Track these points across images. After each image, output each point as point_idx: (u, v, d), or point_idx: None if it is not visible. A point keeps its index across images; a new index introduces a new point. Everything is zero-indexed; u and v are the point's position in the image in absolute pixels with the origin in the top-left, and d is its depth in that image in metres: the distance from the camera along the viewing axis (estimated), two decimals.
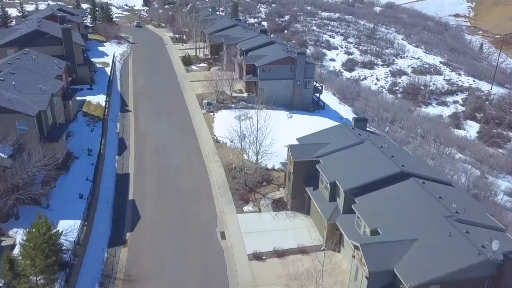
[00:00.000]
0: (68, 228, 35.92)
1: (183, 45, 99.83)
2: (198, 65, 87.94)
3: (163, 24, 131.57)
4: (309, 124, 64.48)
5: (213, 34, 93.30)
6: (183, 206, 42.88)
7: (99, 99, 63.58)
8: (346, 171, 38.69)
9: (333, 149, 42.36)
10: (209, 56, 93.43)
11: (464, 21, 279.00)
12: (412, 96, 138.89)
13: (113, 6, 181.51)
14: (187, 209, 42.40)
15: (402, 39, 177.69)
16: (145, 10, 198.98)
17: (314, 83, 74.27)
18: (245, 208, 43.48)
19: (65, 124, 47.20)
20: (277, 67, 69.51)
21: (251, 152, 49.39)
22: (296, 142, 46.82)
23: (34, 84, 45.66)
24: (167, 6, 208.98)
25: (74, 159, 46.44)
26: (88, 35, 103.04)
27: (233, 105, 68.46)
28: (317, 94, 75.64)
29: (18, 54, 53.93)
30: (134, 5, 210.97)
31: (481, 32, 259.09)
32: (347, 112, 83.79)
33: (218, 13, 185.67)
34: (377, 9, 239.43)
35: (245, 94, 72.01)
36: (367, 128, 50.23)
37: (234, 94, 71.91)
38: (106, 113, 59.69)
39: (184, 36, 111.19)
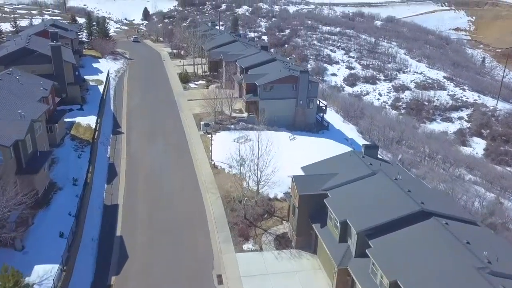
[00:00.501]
0: (44, 275, 31.42)
1: (180, 61, 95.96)
2: (196, 82, 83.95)
3: (161, 39, 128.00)
4: (313, 147, 60.31)
5: (212, 50, 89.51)
6: (176, 243, 38.37)
7: (90, 120, 59.37)
8: (358, 208, 34.25)
9: (342, 181, 38.00)
10: (208, 73, 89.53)
11: (465, 35, 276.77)
12: (416, 112, 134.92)
13: (112, 20, 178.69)
14: (180, 248, 37.87)
15: (404, 53, 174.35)
16: (144, 24, 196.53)
17: (318, 102, 70.13)
18: (245, 246, 38.93)
19: (48, 152, 42.93)
20: (279, 86, 65.44)
21: (251, 180, 45.13)
22: (300, 171, 42.54)
23: (14, 109, 41.49)
24: (166, 20, 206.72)
25: (57, 190, 42.03)
26: (83, 50, 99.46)
27: (232, 126, 64.26)
28: (321, 114, 71.45)
29: (1, 74, 49.86)
30: (134, 19, 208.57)
31: (482, 46, 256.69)
32: (351, 132, 79.60)
33: (217, 27, 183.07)
34: (378, 23, 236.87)
35: (245, 114, 67.86)
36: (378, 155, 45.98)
37: (234, 114, 67.75)
38: (96, 136, 55.45)
39: (183, 51, 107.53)
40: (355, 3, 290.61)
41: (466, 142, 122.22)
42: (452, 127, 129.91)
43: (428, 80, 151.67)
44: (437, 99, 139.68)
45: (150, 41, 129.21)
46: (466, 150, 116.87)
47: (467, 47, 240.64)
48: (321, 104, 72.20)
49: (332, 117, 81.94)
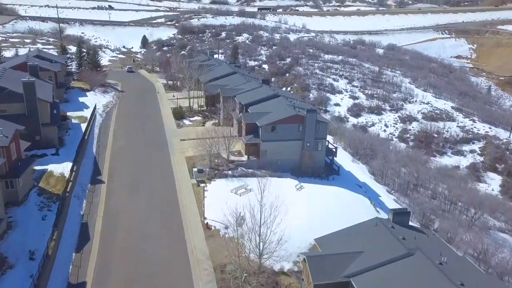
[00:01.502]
0: None
1: (173, 96, 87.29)
2: (191, 118, 75.44)
3: (157, 69, 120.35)
4: (324, 198, 51.30)
5: (209, 83, 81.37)
6: None
7: (65, 168, 50.50)
8: None
9: (370, 264, 28.94)
10: (205, 108, 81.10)
11: (467, 63, 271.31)
12: (425, 145, 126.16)
13: (108, 49, 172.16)
14: None
15: (409, 82, 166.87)
16: (142, 52, 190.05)
17: (327, 144, 61.40)
18: None
19: None
20: (283, 126, 56.85)
21: (252, 244, 36.02)
22: (310, 233, 33.57)
23: None
24: (165, 48, 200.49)
25: (6, 269, 32.82)
26: (72, 82, 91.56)
27: (229, 172, 55.31)
28: (330, 157, 62.60)
29: None
30: (132, 47, 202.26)
31: (484, 73, 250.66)
32: (363, 174, 70.69)
33: (217, 55, 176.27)
34: (379, 51, 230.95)
35: (245, 158, 59.01)
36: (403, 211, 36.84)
37: (232, 158, 58.90)
38: (69, 189, 46.53)
39: (179, 83, 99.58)
40: (355, 31, 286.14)
41: (480, 177, 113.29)
42: (464, 161, 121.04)
43: (435, 111, 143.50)
44: (447, 131, 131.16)
45: (145, 71, 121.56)
46: (481, 186, 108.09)
47: (470, 75, 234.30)
48: (330, 146, 63.44)
49: (340, 155, 72.99)
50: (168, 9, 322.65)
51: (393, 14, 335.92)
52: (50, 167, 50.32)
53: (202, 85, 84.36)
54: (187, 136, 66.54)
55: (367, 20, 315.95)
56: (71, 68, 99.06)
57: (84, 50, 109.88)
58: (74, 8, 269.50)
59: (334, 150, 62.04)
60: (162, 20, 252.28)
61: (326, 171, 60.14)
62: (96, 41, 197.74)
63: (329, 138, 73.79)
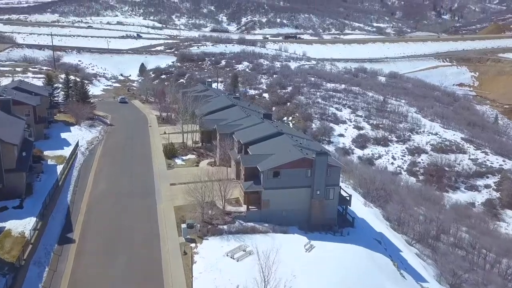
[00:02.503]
0: None
1: (165, 133, 78.22)
2: (184, 157, 66.50)
3: (152, 99, 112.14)
4: (339, 262, 41.81)
5: (206, 117, 72.92)
6: None
7: (27, 224, 41.33)
8: None
9: None
10: (200, 144, 72.34)
11: (470, 90, 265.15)
12: (436, 179, 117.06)
13: (104, 77, 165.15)
14: None
15: (416, 112, 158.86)
16: (140, 80, 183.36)
17: (340, 191, 52.29)
18: None
19: None
20: (289, 171, 47.92)
21: None
22: None
23: None
24: (163, 76, 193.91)
25: None
26: (56, 115, 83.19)
27: (225, 227, 46.04)
28: (344, 206, 53.42)
29: None
30: (130, 75, 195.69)
31: (488, 101, 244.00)
32: (378, 222, 61.30)
33: (215, 84, 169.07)
34: (381, 78, 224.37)
35: (244, 208, 49.84)
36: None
37: (228, 208, 49.71)
38: (27, 254, 37.25)
39: (173, 115, 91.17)
40: (356, 58, 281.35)
41: (498, 215, 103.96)
42: (479, 197, 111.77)
43: (445, 142, 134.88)
44: (458, 164, 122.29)
45: (139, 101, 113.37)
46: (499, 225, 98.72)
47: (474, 103, 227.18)
48: (343, 193, 54.30)
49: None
50: (168, 37, 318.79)
51: (393, 42, 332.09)
52: (9, 224, 41.14)
53: (197, 119, 75.89)
54: (177, 179, 57.45)
55: (367, 48, 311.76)
56: (57, 99, 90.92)
57: (73, 79, 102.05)
58: (88, 36, 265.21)
59: (348, 198, 52.81)
60: (162, 48, 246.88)
61: (339, 223, 50.91)
62: (93, 69, 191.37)
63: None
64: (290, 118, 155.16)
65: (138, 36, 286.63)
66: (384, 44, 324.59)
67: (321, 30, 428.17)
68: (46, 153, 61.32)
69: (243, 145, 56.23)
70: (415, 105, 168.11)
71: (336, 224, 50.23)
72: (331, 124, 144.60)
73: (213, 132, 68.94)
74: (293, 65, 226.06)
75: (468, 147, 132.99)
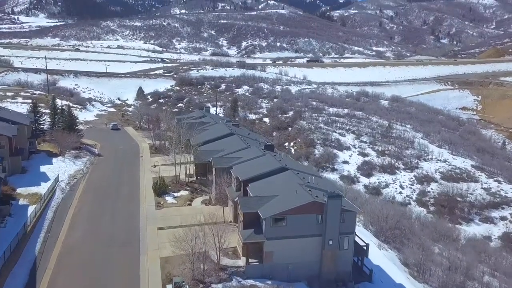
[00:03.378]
0: None
1: (155, 166, 70.34)
2: (176, 194, 58.66)
3: (146, 126, 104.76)
4: None
5: (201, 148, 65.45)
6: None
7: None
8: None
9: None
10: (194, 178, 64.58)
11: (473, 114, 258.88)
12: (448, 210, 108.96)
13: (99, 101, 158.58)
14: None
15: (422, 137, 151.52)
16: (137, 104, 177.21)
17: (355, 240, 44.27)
18: None
19: None
20: (296, 218, 40.08)
21: None
22: None
23: None
24: (161, 100, 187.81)
25: None
26: (39, 145, 75.73)
27: (220, 286, 37.98)
28: (359, 257, 45.33)
29: None
30: (127, 99, 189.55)
31: (492, 125, 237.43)
32: (395, 269, 52.99)
33: (214, 108, 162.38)
34: (384, 102, 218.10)
35: (242, 261, 41.74)
36: None
37: (224, 261, 41.63)
38: None
39: (167, 143, 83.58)
40: (357, 82, 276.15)
41: None
42: (495, 230, 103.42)
43: (455, 170, 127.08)
44: (471, 194, 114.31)
45: (133, 128, 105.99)
46: None
47: (479, 127, 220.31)
48: (359, 241, 46.26)
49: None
50: (168, 60, 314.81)
51: (393, 65, 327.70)
52: None
53: (192, 149, 68.34)
54: (166, 222, 49.49)
55: (368, 71, 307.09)
56: (43, 127, 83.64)
57: (62, 104, 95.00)
58: (86, 60, 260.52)
59: (364, 247, 44.78)
60: (161, 71, 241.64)
61: (354, 277, 42.78)
62: (89, 93, 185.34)
63: None
64: (292, 143, 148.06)
65: (163, 61, 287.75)
66: (384, 67, 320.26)
67: (321, 54, 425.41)
68: (19, 190, 53.60)
69: (242, 182, 48.57)
70: (421, 130, 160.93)
71: (351, 279, 42.10)
72: (335, 151, 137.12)
73: (208, 165, 61.35)
74: (293, 89, 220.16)
75: (479, 175, 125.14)
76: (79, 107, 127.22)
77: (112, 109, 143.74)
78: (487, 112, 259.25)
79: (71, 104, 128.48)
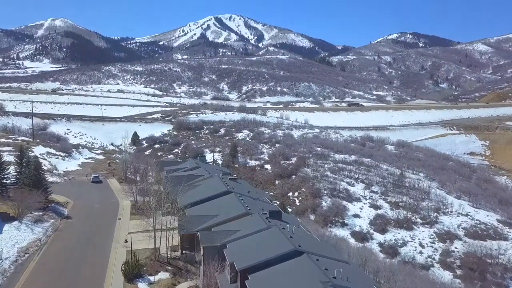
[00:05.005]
0: None
1: (126, 241, 54.42)
2: (153, 277, 43.89)
3: (133, 177, 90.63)
4: None
5: (189, 212, 51.28)
6: None
7: None
8: None
9: None
10: (179, 254, 49.89)
11: (482, 160, 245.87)
12: (478, 275, 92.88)
13: (87, 148, 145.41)
14: None
15: (438, 187, 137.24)
16: (125, 149, 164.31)
17: None
18: None
19: None
20: None
21: None
22: None
23: None
24: (157, 146, 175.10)
25: None
26: None
27: None
28: None
29: None
30: (121, 145, 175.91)
31: (504, 171, 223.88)
32: None
33: (211, 154, 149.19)
34: (390, 147, 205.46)
35: None
36: None
37: None
38: None
39: (151, 200, 69.16)
40: (360, 126, 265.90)
41: None
42: None
43: (479, 225, 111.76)
44: (502, 255, 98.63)
45: (117, 180, 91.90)
46: None
47: (491, 173, 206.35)
48: None
49: None
50: (168, 104, 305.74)
51: (396, 109, 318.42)
52: None
53: (178, 212, 53.99)
54: None
55: (371, 115, 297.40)
56: (6, 181, 69.72)
57: (39, 152, 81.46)
58: (82, 104, 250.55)
59: None
60: (158, 115, 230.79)
61: None
62: (81, 138, 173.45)
63: None
64: (296, 193, 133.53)
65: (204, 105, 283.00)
66: (387, 111, 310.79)
67: (321, 98, 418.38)
68: None
69: (239, 272, 34.15)
70: (435, 178, 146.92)
71: None
72: (344, 202, 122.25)
73: (197, 237, 47.01)
74: (296, 133, 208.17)
75: (508, 231, 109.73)
76: (63, 154, 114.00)
77: (100, 157, 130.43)
78: (496, 158, 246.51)
79: (54, 152, 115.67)
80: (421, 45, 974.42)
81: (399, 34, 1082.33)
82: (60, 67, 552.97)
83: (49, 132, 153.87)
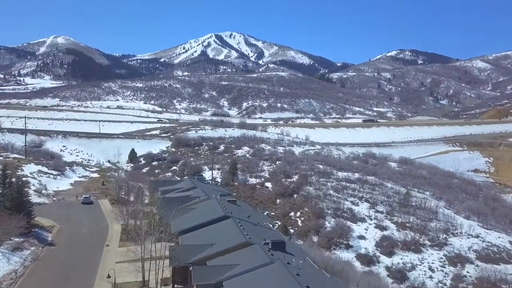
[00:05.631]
0: None
1: (109, 276, 47.73)
2: None
3: (126, 197, 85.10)
4: None
5: (182, 241, 45.80)
6: None
7: None
8: None
9: None
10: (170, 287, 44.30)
11: (486, 177, 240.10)
12: None
13: (82, 166, 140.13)
14: None
15: (445, 207, 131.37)
16: (130, 167, 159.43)
17: None
18: None
19: None
20: None
21: None
22: None
23: None
24: (155, 163, 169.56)
25: None
26: None
27: None
28: None
29: None
30: (118, 162, 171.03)
31: (509, 189, 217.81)
32: None
33: (210, 172, 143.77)
34: (393, 164, 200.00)
35: None
36: None
37: None
38: None
39: (144, 222, 63.61)
40: (362, 143, 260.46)
41: None
42: None
43: (492, 248, 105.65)
44: None
45: (109, 201, 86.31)
46: None
47: (497, 191, 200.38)
48: None
49: None
50: (167, 120, 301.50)
51: (398, 126, 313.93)
52: None
53: (170, 239, 48.50)
54: None
55: (372, 132, 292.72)
56: None
57: (29, 170, 76.22)
58: (80, 120, 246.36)
59: None
60: (157, 132, 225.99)
61: None
62: (77, 155, 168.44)
63: None
64: (298, 213, 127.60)
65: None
66: (389, 128, 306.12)
67: (322, 114, 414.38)
68: None
69: None
70: (441, 197, 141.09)
71: None
72: (348, 223, 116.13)
73: (190, 271, 41.39)
74: (297, 150, 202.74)
75: None
76: (55, 173, 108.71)
77: (95, 175, 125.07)
78: (501, 175, 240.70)
79: (46, 170, 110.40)
80: (420, 62, 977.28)
81: (398, 51, 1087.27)
82: (60, 84, 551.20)
83: (43, 150, 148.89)
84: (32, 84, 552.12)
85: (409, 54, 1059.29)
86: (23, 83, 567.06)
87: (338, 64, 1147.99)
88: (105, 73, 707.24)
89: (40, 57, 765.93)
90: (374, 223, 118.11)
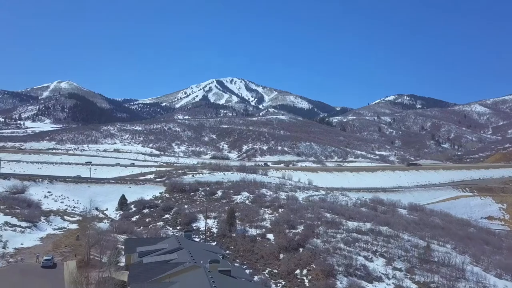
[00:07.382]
0: None
1: None
2: None
3: (98, 258, 68.90)
4: None
5: None
6: None
7: None
8: None
9: None
10: None
11: (502, 225, 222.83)
12: None
13: (59, 216, 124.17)
14: None
15: (471, 263, 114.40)
16: (119, 215, 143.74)
17: None
18: None
19: None
20: None
21: None
22: None
23: None
24: (146, 211, 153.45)
25: None
26: None
27: None
28: None
29: None
30: (106, 209, 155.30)
31: None
32: None
33: (204, 223, 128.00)
34: (403, 211, 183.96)
35: None
36: None
37: None
38: None
39: None
40: (368, 188, 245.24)
41: None
42: None
43: None
44: None
45: (78, 261, 70.11)
46: None
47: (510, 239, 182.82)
48: None
49: None
50: (164, 164, 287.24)
51: (403, 170, 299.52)
52: None
53: None
54: None
55: (377, 176, 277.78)
56: None
57: None
58: (71, 164, 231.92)
59: None
60: (152, 176, 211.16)
61: None
62: (62, 202, 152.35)
63: None
64: (305, 271, 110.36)
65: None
66: (394, 172, 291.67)
67: (323, 158, 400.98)
68: None
69: None
70: (465, 250, 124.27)
71: None
72: (363, 283, 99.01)
73: None
74: (300, 195, 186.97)
75: None
76: (25, 225, 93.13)
77: (74, 226, 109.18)
78: None
79: (15, 222, 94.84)
80: (418, 106, 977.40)
81: (396, 96, 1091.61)
82: (61, 127, 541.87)
83: (21, 197, 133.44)
84: (32, 127, 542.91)
85: (407, 98, 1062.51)
86: (22, 127, 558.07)
87: (337, 108, 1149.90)
88: (106, 116, 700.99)
89: (42, 101, 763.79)
90: (392, 283, 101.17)
